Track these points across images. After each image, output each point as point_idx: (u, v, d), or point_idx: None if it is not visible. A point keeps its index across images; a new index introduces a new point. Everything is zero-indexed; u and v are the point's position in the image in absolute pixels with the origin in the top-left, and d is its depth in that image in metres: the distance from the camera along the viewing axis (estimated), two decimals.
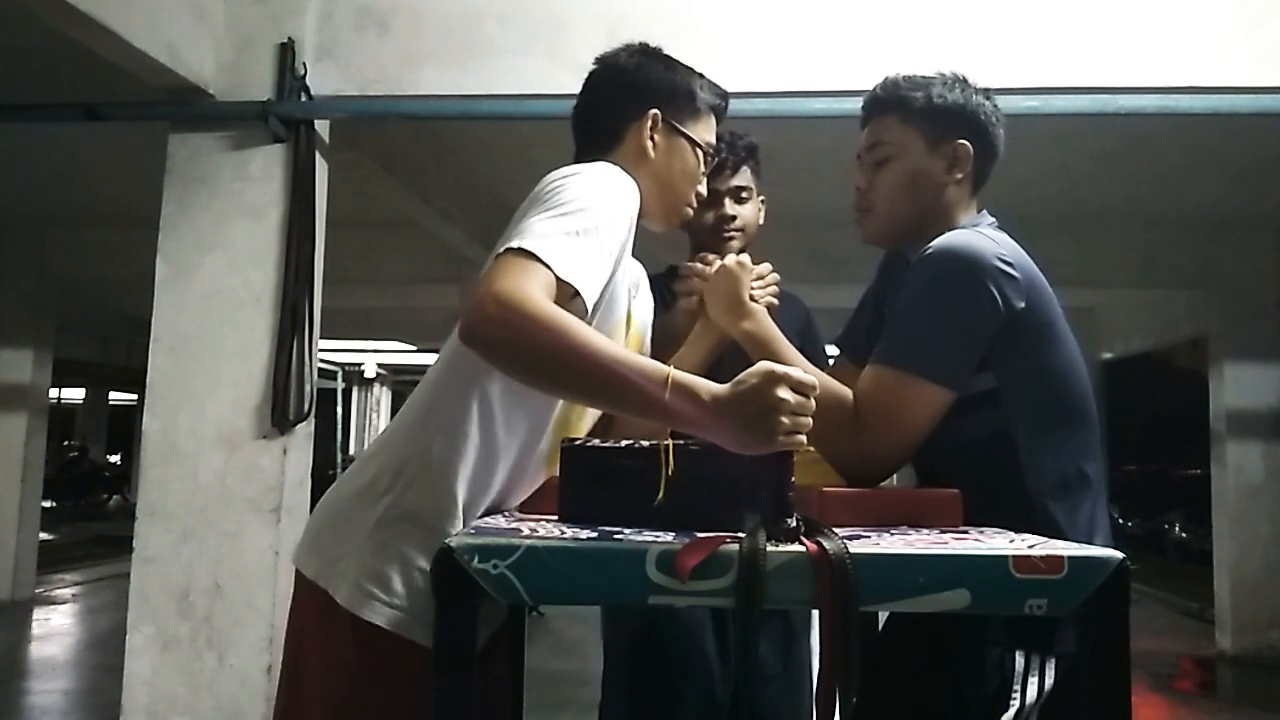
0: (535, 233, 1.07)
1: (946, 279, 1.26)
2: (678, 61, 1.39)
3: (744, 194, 1.91)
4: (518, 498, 1.25)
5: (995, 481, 1.26)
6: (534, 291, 1.01)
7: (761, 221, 1.96)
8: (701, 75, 1.39)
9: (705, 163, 1.39)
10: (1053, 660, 1.21)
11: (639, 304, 1.43)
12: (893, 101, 1.41)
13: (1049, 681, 1.20)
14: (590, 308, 1.11)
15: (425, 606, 1.12)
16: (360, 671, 1.13)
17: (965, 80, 1.42)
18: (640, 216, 1.36)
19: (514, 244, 1.06)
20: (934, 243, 1.29)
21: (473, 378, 1.16)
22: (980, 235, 1.31)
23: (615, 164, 1.25)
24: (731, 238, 1.88)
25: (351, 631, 1.13)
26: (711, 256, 1.39)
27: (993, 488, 1.24)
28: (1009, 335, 1.26)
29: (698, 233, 1.89)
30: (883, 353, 1.29)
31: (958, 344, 1.26)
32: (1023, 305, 1.25)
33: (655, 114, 1.33)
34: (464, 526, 1.15)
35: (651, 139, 1.33)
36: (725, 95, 1.41)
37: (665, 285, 1.83)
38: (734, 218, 1.89)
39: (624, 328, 1.31)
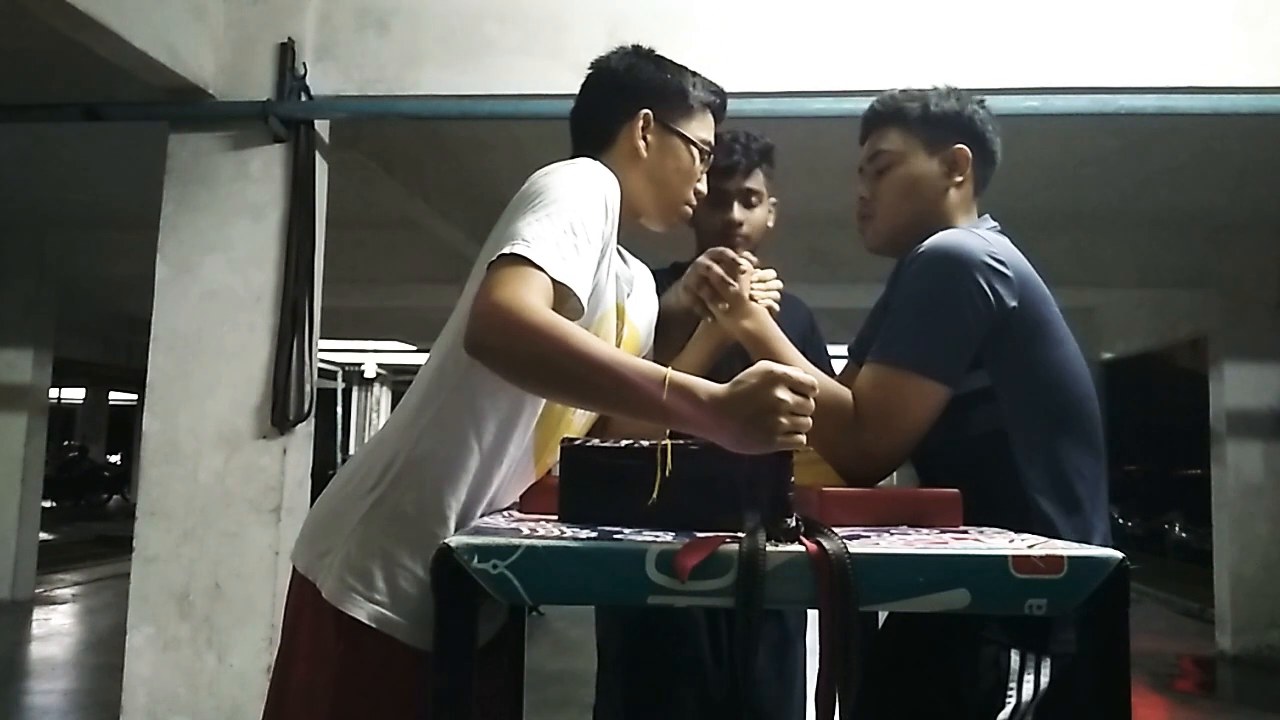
0: (526, 237, 1.09)
1: (936, 275, 1.27)
2: (670, 61, 1.39)
3: (753, 198, 1.88)
4: (507, 496, 1.26)
5: (991, 480, 1.26)
6: (532, 300, 1.03)
7: (771, 224, 1.93)
8: (695, 74, 1.40)
9: (703, 160, 1.40)
10: (1048, 659, 1.21)
11: (637, 303, 1.43)
12: (891, 113, 1.45)
13: (1044, 680, 1.21)
14: (585, 305, 1.13)
15: (407, 603, 1.14)
16: (343, 665, 1.14)
17: (959, 91, 1.45)
18: (638, 216, 1.37)
19: (507, 250, 1.08)
20: (924, 243, 1.31)
21: (460, 377, 1.17)
22: (970, 234, 1.32)
23: (608, 164, 1.27)
24: (737, 242, 1.85)
25: (335, 625, 1.14)
26: (728, 252, 1.38)
27: (989, 486, 1.24)
28: (1002, 333, 1.26)
29: (705, 233, 1.87)
30: (877, 351, 1.30)
31: (950, 338, 1.26)
32: (1015, 304, 1.26)
33: (646, 114, 1.34)
34: (449, 524, 1.16)
35: (644, 139, 1.34)
36: (721, 93, 1.42)
37: (668, 282, 1.82)
38: (740, 223, 1.85)
39: (614, 318, 1.31)
